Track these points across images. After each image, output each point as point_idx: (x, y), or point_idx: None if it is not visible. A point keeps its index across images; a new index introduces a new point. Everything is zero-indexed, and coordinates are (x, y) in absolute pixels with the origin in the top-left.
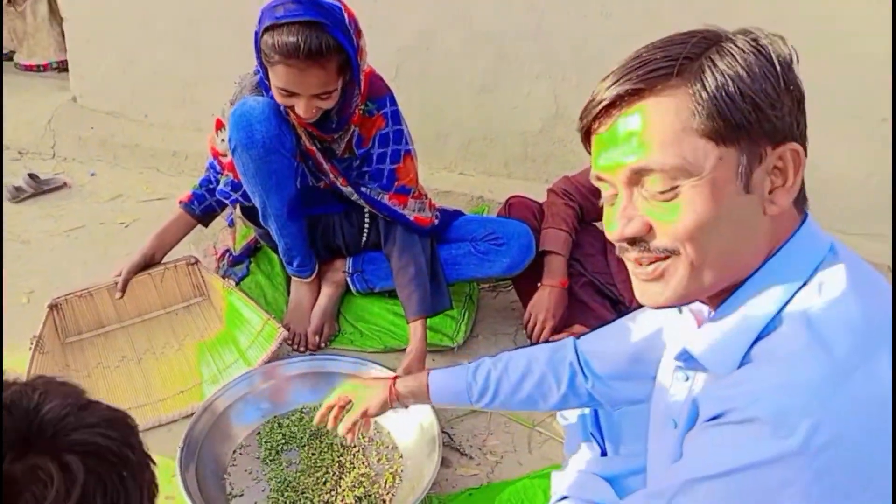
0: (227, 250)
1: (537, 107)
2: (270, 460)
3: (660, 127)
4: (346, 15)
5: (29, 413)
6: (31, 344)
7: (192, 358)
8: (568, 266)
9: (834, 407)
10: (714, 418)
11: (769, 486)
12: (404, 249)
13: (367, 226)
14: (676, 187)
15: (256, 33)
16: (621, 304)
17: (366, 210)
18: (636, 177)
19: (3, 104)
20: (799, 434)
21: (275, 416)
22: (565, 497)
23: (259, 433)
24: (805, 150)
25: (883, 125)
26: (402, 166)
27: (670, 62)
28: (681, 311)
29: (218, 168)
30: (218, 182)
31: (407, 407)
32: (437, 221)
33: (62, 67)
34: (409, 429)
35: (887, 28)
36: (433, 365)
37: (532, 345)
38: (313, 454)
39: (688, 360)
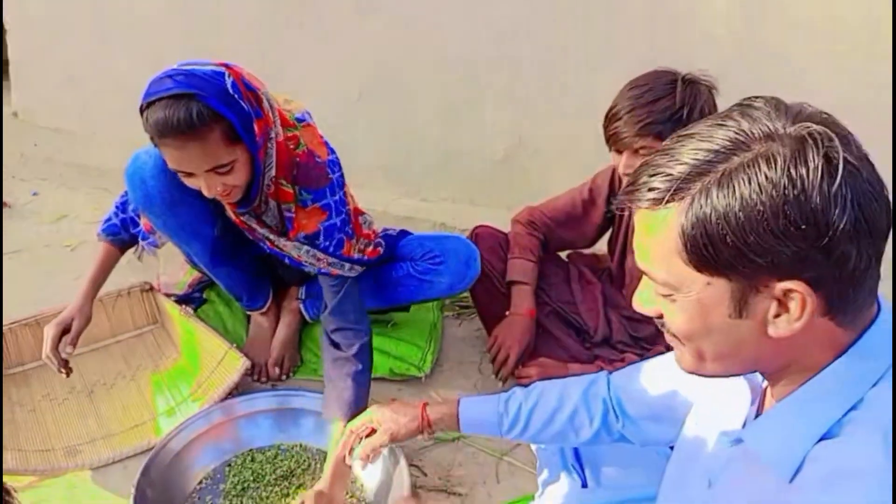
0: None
1: (501, 135)
2: (234, 496)
3: (655, 243)
4: (229, 80)
5: None
6: None
7: (147, 390)
8: (535, 296)
9: None
10: None
11: None
12: (350, 334)
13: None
14: (671, 295)
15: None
16: (586, 333)
17: None
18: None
19: None
20: None
21: (250, 450)
22: None
23: (230, 464)
24: (822, 285)
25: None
26: (345, 249)
27: (669, 184)
28: None
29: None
30: (127, 211)
31: (433, 434)
32: (381, 251)
33: None
34: (377, 471)
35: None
36: (399, 395)
37: (497, 373)
38: (281, 495)
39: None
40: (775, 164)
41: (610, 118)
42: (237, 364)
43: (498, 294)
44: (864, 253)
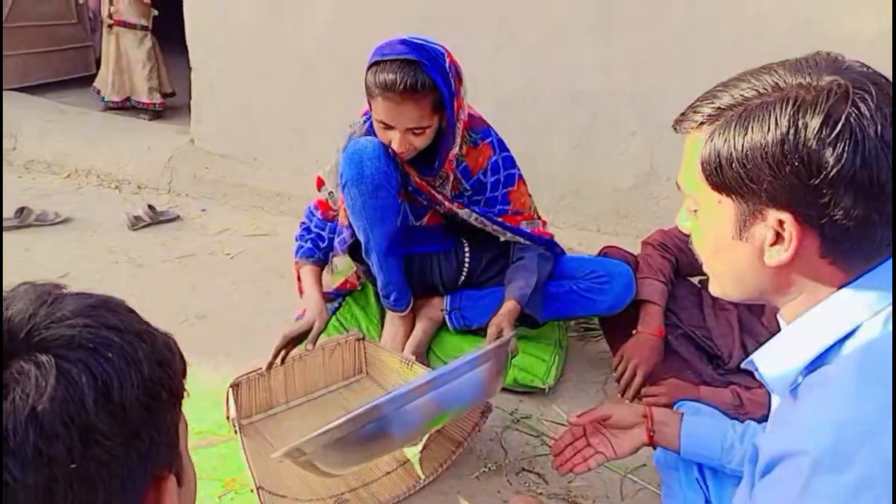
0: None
1: (631, 164)
2: None
3: (688, 160)
4: (447, 60)
5: None
6: (234, 427)
7: None
8: (664, 317)
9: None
10: (771, 465)
11: None
12: (536, 259)
13: (466, 263)
14: (696, 210)
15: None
16: (718, 359)
17: (466, 249)
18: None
19: (130, 146)
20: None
21: None
22: None
23: None
24: (813, 223)
25: None
26: (514, 189)
27: (711, 110)
28: None
29: (316, 219)
30: (312, 231)
31: (654, 448)
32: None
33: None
34: None
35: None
36: (520, 406)
37: (623, 392)
38: None
39: (755, 369)
40: (787, 108)
41: None
42: (480, 406)
43: (625, 314)
44: (861, 205)
